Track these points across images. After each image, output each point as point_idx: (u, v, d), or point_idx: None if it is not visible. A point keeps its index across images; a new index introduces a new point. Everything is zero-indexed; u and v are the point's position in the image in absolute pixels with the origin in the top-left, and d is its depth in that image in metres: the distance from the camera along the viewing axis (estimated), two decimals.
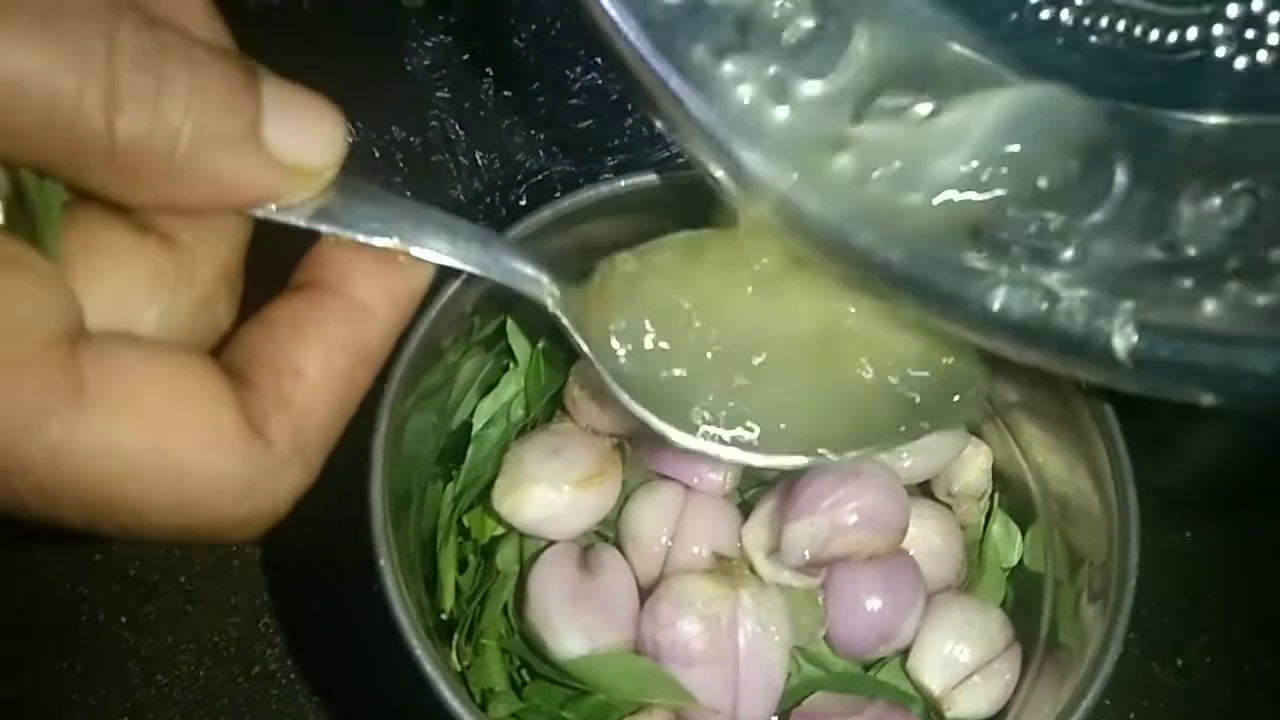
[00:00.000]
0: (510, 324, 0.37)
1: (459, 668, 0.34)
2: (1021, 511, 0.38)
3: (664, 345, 0.29)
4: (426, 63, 0.61)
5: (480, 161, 0.59)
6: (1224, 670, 0.48)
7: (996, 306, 0.27)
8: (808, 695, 0.34)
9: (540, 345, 0.37)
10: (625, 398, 0.29)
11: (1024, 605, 0.36)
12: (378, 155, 0.58)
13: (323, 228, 0.24)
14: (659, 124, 0.28)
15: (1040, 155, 0.27)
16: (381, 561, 0.29)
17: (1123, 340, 0.26)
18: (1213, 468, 0.51)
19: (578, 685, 0.32)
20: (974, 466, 0.38)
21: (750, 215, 0.29)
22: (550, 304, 0.28)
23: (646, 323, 0.29)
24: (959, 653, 0.34)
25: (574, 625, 0.32)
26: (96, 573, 0.46)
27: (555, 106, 0.60)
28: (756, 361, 0.30)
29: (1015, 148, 0.27)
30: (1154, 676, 0.48)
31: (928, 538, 0.36)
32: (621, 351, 0.29)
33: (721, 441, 0.29)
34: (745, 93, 0.27)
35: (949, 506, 0.38)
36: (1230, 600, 0.50)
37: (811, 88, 0.27)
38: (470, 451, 0.37)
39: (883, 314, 0.31)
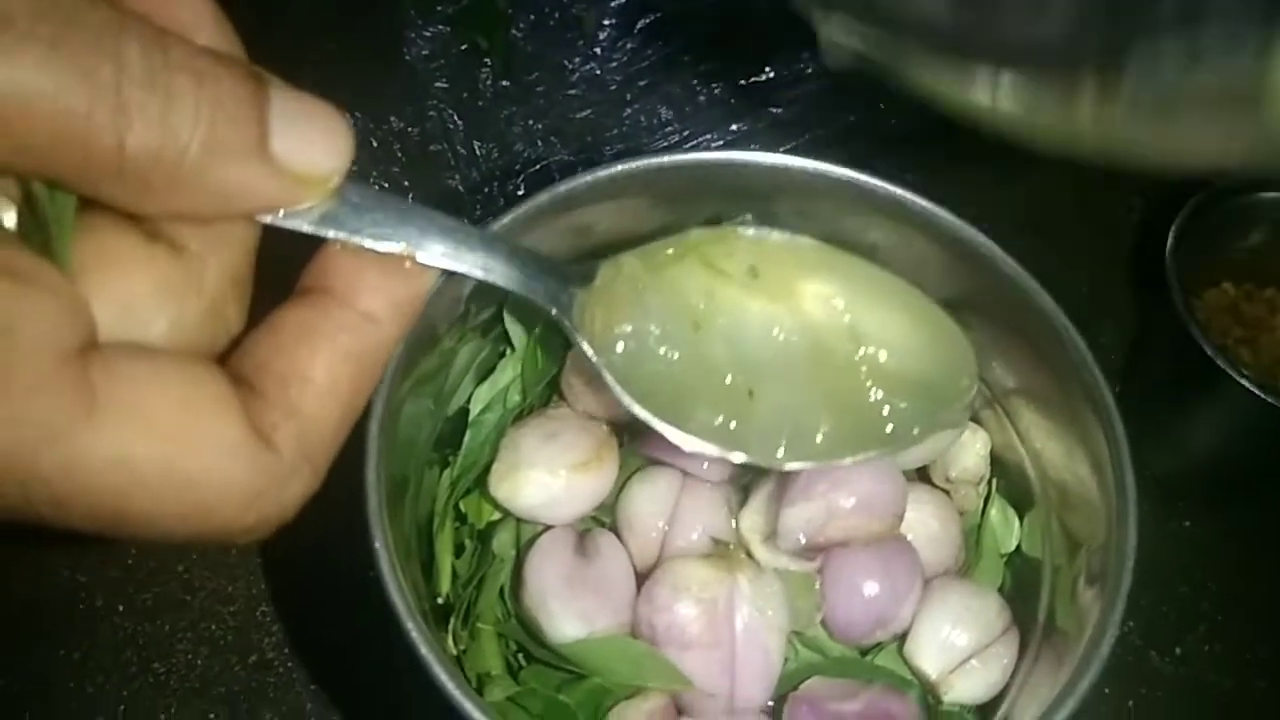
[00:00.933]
0: (507, 310, 0.37)
1: (455, 652, 0.34)
2: (1019, 497, 0.38)
3: (667, 347, 0.30)
4: (425, 53, 0.61)
5: (479, 151, 0.59)
6: (1223, 658, 0.48)
7: None
8: (805, 680, 0.34)
9: (537, 331, 0.37)
10: (627, 399, 0.29)
11: (1022, 590, 0.36)
12: (376, 145, 0.58)
13: (329, 233, 0.24)
14: None
15: None
16: (376, 544, 0.28)
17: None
18: (1213, 458, 0.51)
19: (574, 669, 0.32)
20: (972, 452, 0.38)
21: None
22: (555, 310, 0.28)
23: (651, 325, 0.30)
24: (956, 637, 0.34)
25: (570, 609, 0.32)
26: (94, 560, 0.46)
27: (553, 96, 0.60)
28: (758, 364, 0.31)
29: None
30: (1153, 665, 0.48)
31: (925, 523, 0.36)
32: (625, 354, 0.29)
33: (721, 443, 0.30)
34: None
35: (947, 492, 0.38)
36: (1230, 589, 0.50)
37: None
38: (467, 437, 0.37)
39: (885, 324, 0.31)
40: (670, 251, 0.31)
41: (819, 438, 0.31)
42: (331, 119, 0.23)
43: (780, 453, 0.30)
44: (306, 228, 0.24)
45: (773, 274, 0.32)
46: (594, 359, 0.29)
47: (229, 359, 0.23)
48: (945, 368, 0.32)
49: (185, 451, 0.21)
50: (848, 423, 0.31)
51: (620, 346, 0.29)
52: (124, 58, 0.20)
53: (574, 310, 0.28)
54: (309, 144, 0.23)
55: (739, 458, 0.30)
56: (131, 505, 0.21)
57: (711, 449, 0.29)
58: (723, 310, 0.31)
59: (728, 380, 0.30)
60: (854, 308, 0.32)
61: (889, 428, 0.31)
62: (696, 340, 0.30)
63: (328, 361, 0.23)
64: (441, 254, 0.25)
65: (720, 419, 0.30)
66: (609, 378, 0.29)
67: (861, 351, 0.31)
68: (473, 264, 0.26)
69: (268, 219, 0.23)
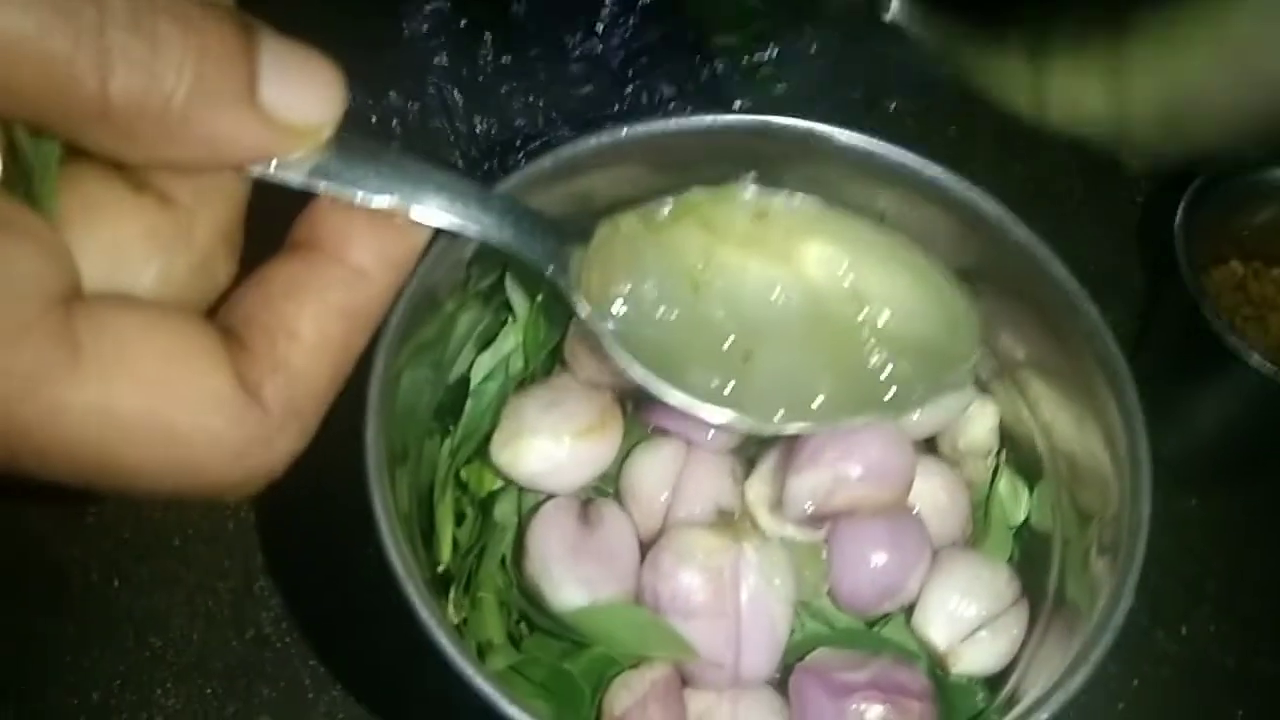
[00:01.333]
0: (509, 276, 0.36)
1: (455, 621, 0.33)
2: (1029, 469, 0.37)
3: (665, 308, 0.29)
4: (424, 28, 0.60)
5: (478, 128, 0.58)
6: (1228, 637, 0.48)
7: None
8: (810, 651, 0.33)
9: (539, 298, 0.37)
10: (625, 360, 0.29)
11: (1031, 563, 0.36)
12: (375, 121, 0.57)
13: (320, 186, 0.23)
14: None
15: None
16: (376, 507, 0.28)
17: None
18: (1221, 436, 0.50)
19: (577, 638, 0.32)
20: (981, 424, 0.37)
21: None
22: (550, 269, 0.28)
23: (648, 285, 0.29)
24: (965, 608, 0.33)
25: (573, 576, 0.32)
26: (89, 534, 0.46)
27: (554, 73, 0.60)
28: (757, 326, 0.30)
29: None
30: (1159, 643, 0.47)
31: (933, 494, 0.36)
32: (622, 314, 0.29)
33: (718, 404, 0.29)
34: None
35: (955, 464, 0.38)
36: (1235, 567, 0.49)
37: None
38: (468, 405, 0.36)
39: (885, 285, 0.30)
40: (669, 211, 0.31)
41: (818, 401, 0.30)
42: (324, 69, 0.23)
43: (778, 416, 0.30)
44: (297, 181, 0.23)
45: (773, 235, 0.32)
46: (590, 319, 0.28)
47: (216, 312, 0.23)
48: (948, 330, 0.32)
49: (171, 404, 0.21)
50: (847, 385, 0.31)
51: (617, 307, 0.29)
52: (107, 1, 0.19)
53: (570, 270, 0.28)
54: (300, 93, 0.22)
55: (735, 420, 0.30)
56: (116, 458, 0.21)
57: (707, 410, 0.29)
58: (722, 271, 0.31)
59: (726, 342, 0.30)
60: (856, 269, 0.32)
61: (890, 390, 0.31)
62: (695, 301, 0.30)
63: (316, 317, 0.23)
64: (435, 209, 0.25)
65: (717, 381, 0.30)
66: (605, 338, 0.28)
67: (863, 313, 0.31)
68: (466, 220, 0.25)
69: (257, 171, 0.23)
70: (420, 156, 0.25)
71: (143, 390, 0.20)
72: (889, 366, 0.31)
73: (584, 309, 0.28)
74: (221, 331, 0.22)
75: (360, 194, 0.24)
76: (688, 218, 0.31)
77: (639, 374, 0.29)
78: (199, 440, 0.21)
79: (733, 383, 0.30)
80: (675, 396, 0.29)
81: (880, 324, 0.31)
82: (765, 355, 0.30)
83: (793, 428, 0.30)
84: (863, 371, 0.31)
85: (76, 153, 0.21)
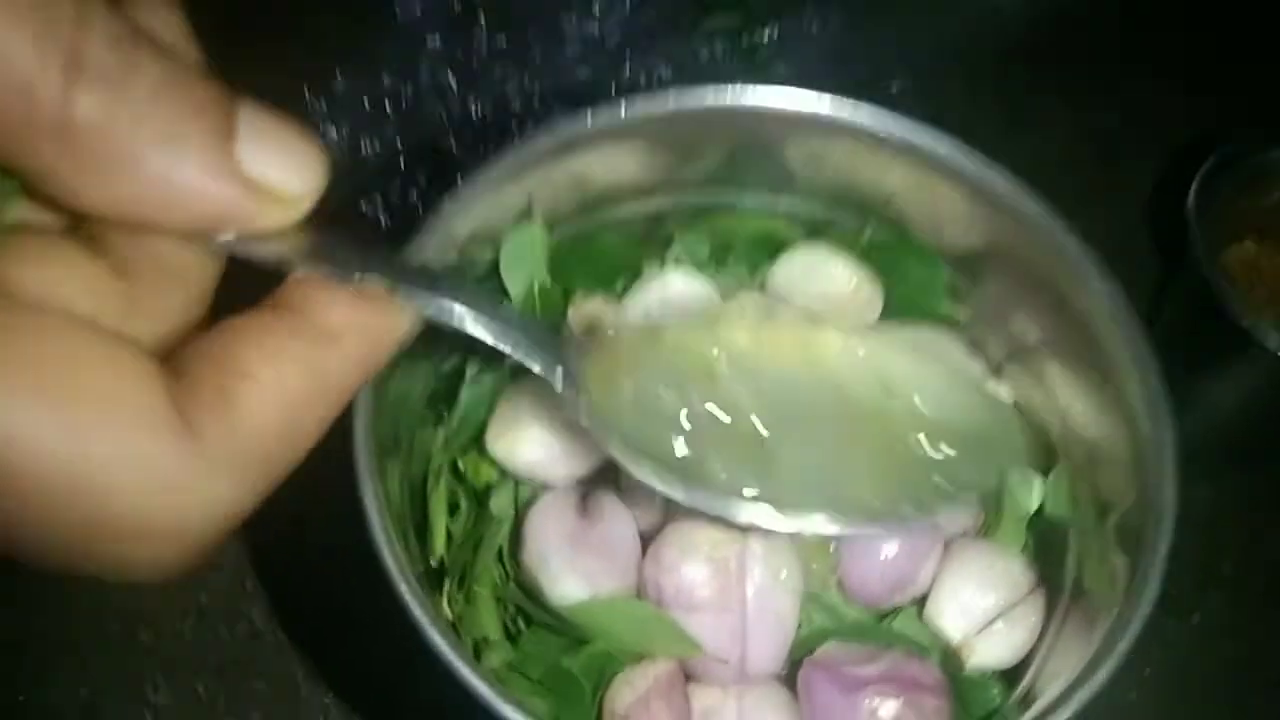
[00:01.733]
0: (504, 261, 0.35)
1: (450, 617, 0.32)
2: (1042, 457, 0.36)
3: (674, 408, 0.27)
4: (418, 11, 0.59)
5: (473, 112, 0.58)
6: (1242, 625, 0.47)
7: None
8: (819, 645, 0.32)
9: (536, 285, 0.36)
10: (634, 467, 0.26)
11: (1045, 552, 0.35)
12: (368, 107, 0.56)
13: (298, 269, 0.22)
14: None
15: None
16: (366, 499, 0.27)
17: None
18: (1234, 419, 0.49)
19: (577, 633, 0.31)
20: None
21: None
22: (553, 379, 0.26)
23: (657, 388, 0.27)
24: (980, 598, 0.32)
25: (573, 568, 0.31)
26: None
27: (550, 56, 0.59)
28: (777, 427, 0.28)
29: None
30: (1170, 631, 0.47)
31: None
32: (629, 420, 0.27)
33: (749, 504, 0.27)
34: None
35: None
36: (1247, 553, 0.48)
37: None
38: (464, 394, 0.35)
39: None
40: (673, 324, 0.29)
41: (846, 504, 0.27)
42: (306, 140, 0.21)
43: (811, 512, 0.27)
44: (273, 257, 0.21)
45: (785, 330, 0.29)
46: (594, 428, 0.26)
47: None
48: (989, 426, 0.29)
49: (80, 410, 0.18)
50: (882, 489, 0.28)
51: (622, 412, 0.27)
52: (86, 15, 0.18)
53: (572, 378, 0.26)
54: (278, 159, 0.21)
55: (767, 520, 0.27)
56: (12, 480, 0.18)
57: (737, 511, 0.27)
58: (737, 365, 0.28)
59: (744, 445, 0.27)
60: (877, 357, 0.29)
61: (926, 497, 0.28)
62: (706, 396, 0.27)
63: (275, 361, 0.20)
64: (424, 310, 0.23)
65: (736, 482, 0.27)
66: (613, 446, 0.26)
67: (902, 415, 0.28)
68: (460, 322, 0.24)
69: (236, 246, 0.21)
70: (418, 260, 0.23)
71: (46, 390, 0.18)
72: (927, 473, 0.28)
73: (587, 421, 0.26)
74: (161, 364, 0.20)
75: (342, 275, 0.22)
76: (692, 323, 0.29)
77: (651, 481, 0.26)
78: (112, 457, 0.18)
79: (751, 485, 0.27)
80: (701, 500, 0.27)
81: (918, 427, 0.28)
82: (788, 458, 0.27)
83: (831, 529, 0.27)
84: (900, 474, 0.28)
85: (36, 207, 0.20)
